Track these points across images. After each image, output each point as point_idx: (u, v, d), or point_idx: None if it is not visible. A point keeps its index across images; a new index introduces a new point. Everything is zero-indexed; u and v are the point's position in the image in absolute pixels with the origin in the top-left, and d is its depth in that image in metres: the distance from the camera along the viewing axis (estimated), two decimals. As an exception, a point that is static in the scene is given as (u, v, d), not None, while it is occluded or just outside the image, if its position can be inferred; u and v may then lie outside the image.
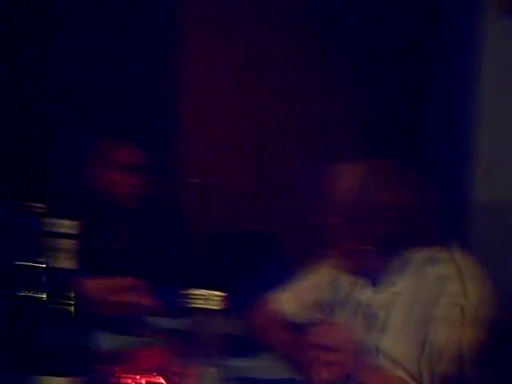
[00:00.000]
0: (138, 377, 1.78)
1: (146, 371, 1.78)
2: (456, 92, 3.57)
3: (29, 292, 1.63)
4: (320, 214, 2.18)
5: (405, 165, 2.14)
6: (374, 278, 2.19)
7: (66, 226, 1.37)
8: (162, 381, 1.78)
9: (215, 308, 1.08)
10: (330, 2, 3.88)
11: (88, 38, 3.72)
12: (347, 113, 3.94)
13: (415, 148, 3.70)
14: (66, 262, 1.37)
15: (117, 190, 2.77)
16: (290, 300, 2.42)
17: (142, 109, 3.74)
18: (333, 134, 3.94)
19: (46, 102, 3.69)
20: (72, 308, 1.38)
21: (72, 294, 1.38)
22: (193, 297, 1.10)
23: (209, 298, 1.08)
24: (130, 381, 1.77)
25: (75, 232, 1.37)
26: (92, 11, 3.71)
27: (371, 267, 2.18)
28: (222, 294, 1.08)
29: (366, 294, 2.20)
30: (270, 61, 3.91)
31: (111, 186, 2.76)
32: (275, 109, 3.94)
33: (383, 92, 3.82)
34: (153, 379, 1.78)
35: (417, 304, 2.07)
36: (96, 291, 2.43)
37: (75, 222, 1.38)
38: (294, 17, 3.90)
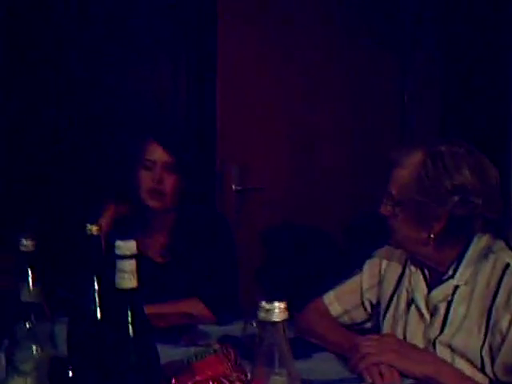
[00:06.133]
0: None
1: (204, 381, 1.82)
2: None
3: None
4: (378, 205, 2.20)
5: (470, 147, 2.14)
6: (431, 269, 2.22)
7: (124, 246, 1.40)
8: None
9: (275, 319, 1.10)
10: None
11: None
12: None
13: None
14: (124, 282, 1.40)
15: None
16: (336, 301, 2.45)
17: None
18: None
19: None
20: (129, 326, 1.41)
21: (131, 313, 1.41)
22: (259, 308, 1.12)
23: (266, 309, 1.11)
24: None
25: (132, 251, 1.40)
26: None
27: (429, 259, 2.20)
28: (285, 305, 1.10)
29: (422, 286, 2.23)
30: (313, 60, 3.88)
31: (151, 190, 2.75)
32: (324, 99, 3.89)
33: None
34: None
35: (477, 294, 2.09)
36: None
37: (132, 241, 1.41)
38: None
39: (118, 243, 1.38)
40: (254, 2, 3.73)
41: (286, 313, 1.08)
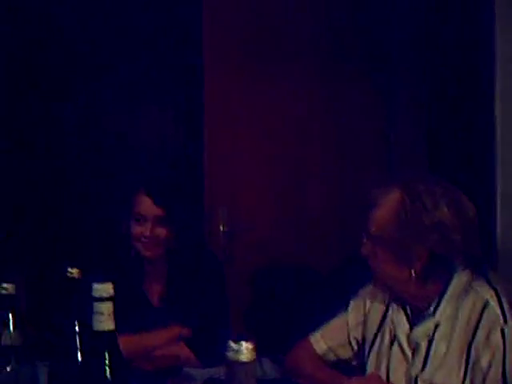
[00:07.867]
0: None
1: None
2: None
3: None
4: (360, 245, 2.22)
5: (446, 184, 2.17)
6: (413, 307, 2.23)
7: (100, 288, 1.41)
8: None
9: (247, 359, 1.12)
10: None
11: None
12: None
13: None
14: (101, 324, 1.41)
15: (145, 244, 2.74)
16: (321, 339, 2.45)
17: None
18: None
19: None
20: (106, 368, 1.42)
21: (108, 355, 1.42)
22: (228, 348, 1.13)
23: (234, 349, 1.12)
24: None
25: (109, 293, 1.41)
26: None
27: (411, 297, 2.21)
28: (253, 345, 1.11)
29: (404, 325, 2.24)
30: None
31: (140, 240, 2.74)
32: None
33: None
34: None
35: (457, 331, 2.10)
36: (134, 348, 2.50)
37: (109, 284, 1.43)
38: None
39: (95, 285, 1.39)
40: (240, 49, 3.77)
41: (254, 353, 1.09)
